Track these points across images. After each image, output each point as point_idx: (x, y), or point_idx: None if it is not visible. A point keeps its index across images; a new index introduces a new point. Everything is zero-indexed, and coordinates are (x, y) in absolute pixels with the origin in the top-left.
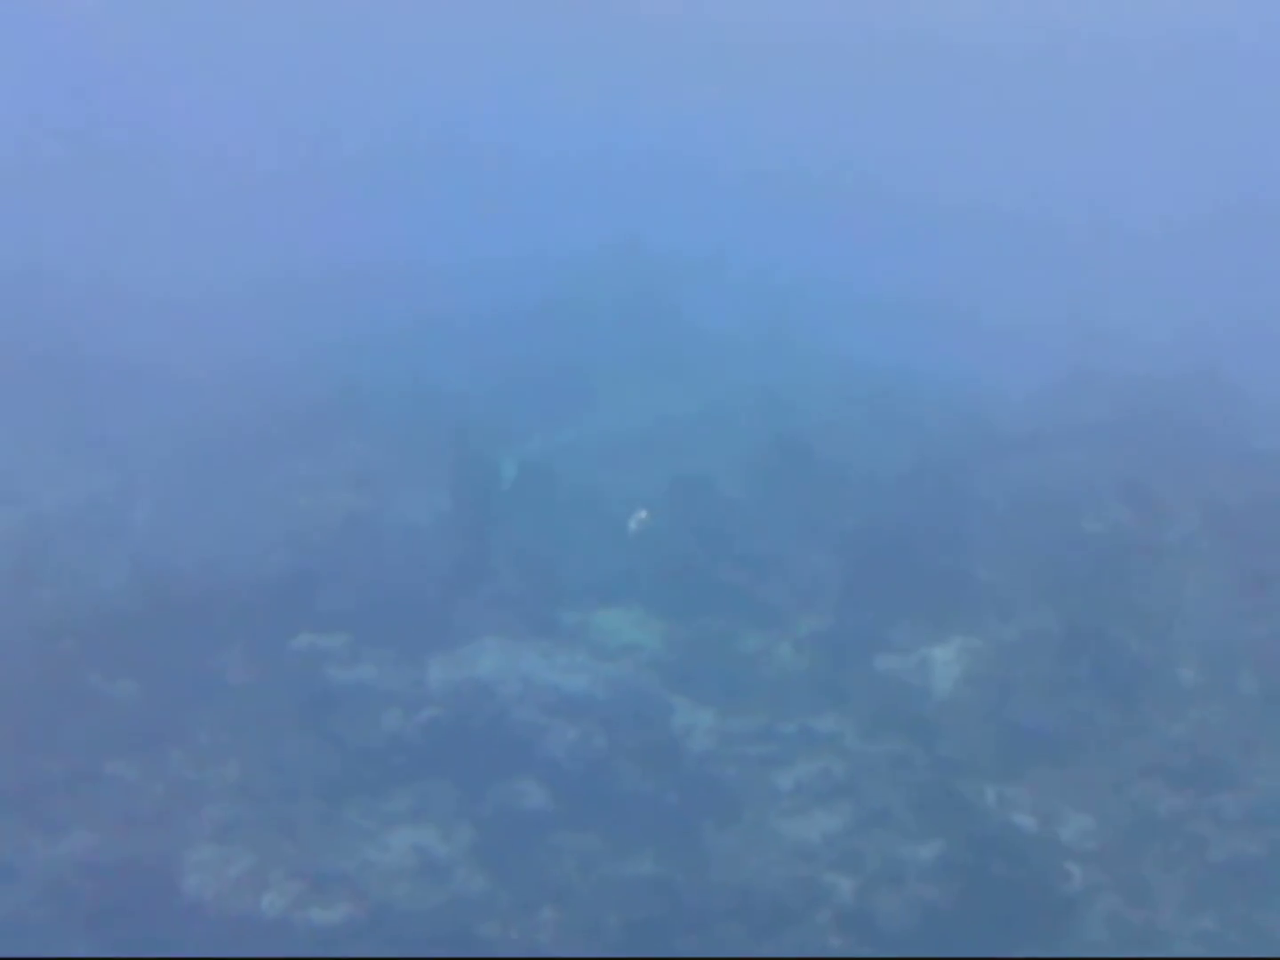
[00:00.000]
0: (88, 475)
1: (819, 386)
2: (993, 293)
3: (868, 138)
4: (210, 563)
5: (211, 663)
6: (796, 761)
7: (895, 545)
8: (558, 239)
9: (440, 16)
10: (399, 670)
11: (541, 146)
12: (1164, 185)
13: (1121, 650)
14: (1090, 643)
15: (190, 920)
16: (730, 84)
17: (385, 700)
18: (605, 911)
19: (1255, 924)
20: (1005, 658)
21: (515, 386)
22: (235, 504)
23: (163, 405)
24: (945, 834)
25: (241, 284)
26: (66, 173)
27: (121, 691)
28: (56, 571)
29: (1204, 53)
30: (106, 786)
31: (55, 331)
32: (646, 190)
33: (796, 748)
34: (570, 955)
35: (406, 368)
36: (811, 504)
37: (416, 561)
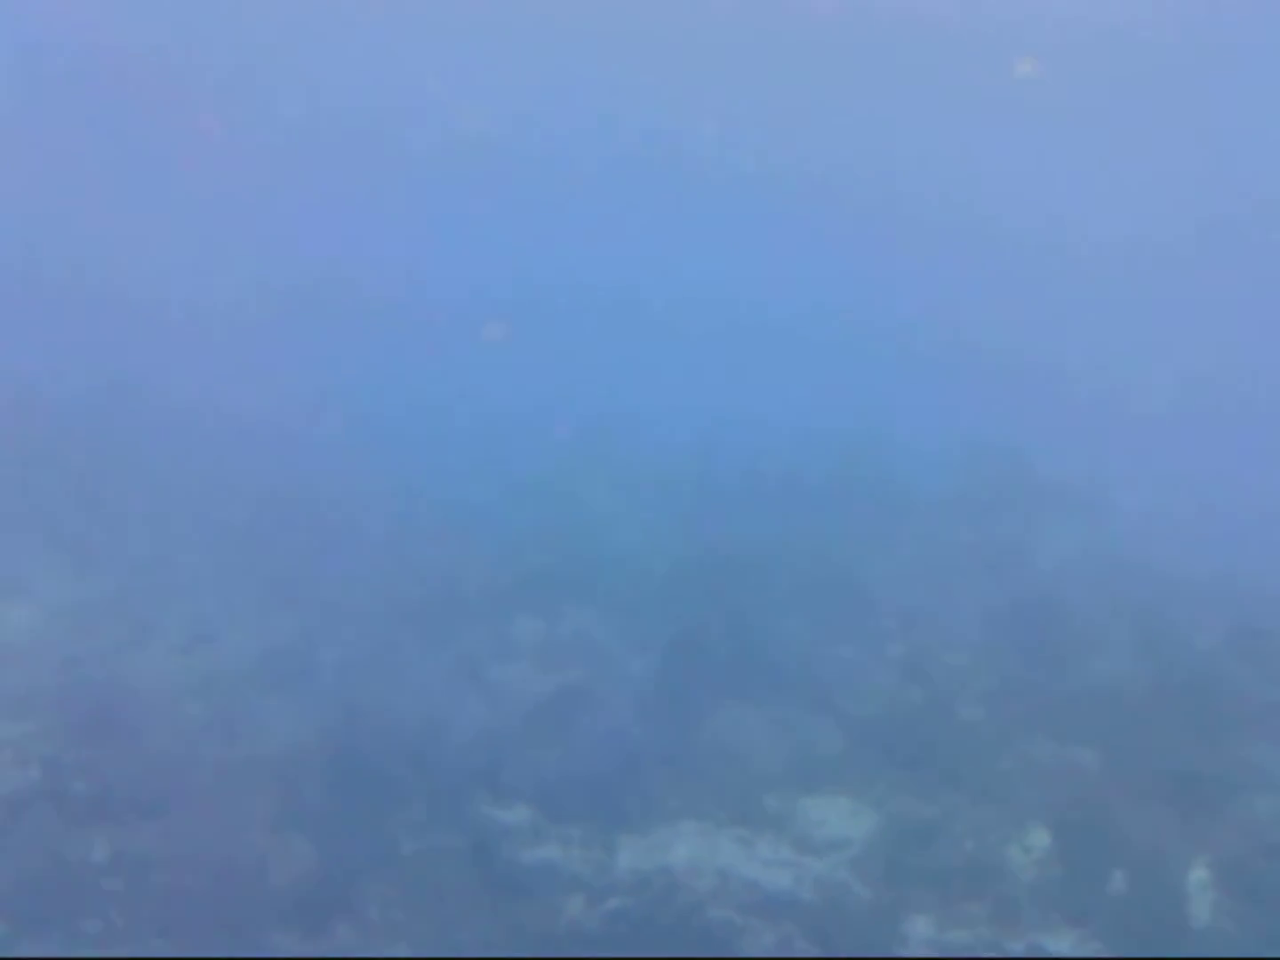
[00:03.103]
0: (271, 622)
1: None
2: None
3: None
4: (396, 723)
5: (387, 830)
6: None
7: (1144, 739)
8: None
9: None
10: (586, 853)
11: None
12: None
13: None
14: None
15: None
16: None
17: (569, 885)
18: None
19: None
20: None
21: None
22: (429, 662)
23: (359, 549)
24: None
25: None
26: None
27: (291, 856)
28: (234, 724)
29: None
30: None
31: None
32: None
33: None
34: None
35: (634, 531)
36: (1046, 678)
37: (612, 736)
